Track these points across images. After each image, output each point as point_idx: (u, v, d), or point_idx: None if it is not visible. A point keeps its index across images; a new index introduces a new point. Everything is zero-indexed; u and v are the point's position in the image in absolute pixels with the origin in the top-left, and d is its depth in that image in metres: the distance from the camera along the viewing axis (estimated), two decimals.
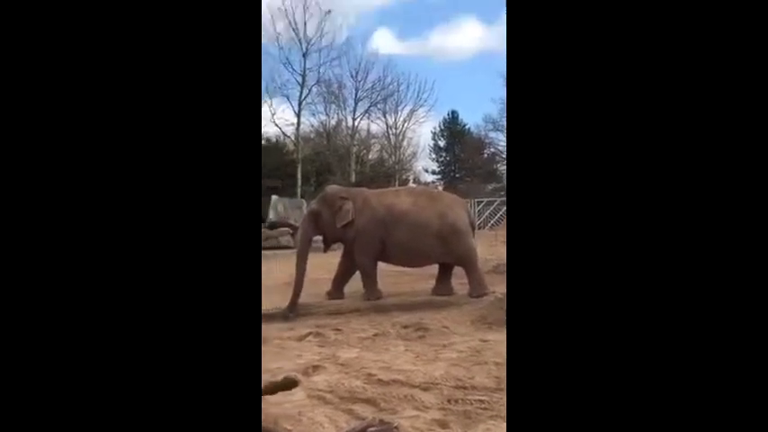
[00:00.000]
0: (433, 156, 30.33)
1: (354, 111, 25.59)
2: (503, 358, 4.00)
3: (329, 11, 24.17)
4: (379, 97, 26.08)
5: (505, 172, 28.64)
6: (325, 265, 7.31)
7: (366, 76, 25.55)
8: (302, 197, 19.33)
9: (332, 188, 7.46)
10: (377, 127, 27.36)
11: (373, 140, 28.13)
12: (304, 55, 23.89)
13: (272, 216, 15.26)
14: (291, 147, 23.93)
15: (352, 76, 25.42)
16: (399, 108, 26.91)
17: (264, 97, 22.10)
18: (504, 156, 28.27)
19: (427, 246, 6.73)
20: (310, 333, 5.18)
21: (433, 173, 30.15)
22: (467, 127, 30.15)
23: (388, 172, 26.15)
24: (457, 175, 29.25)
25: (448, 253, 6.80)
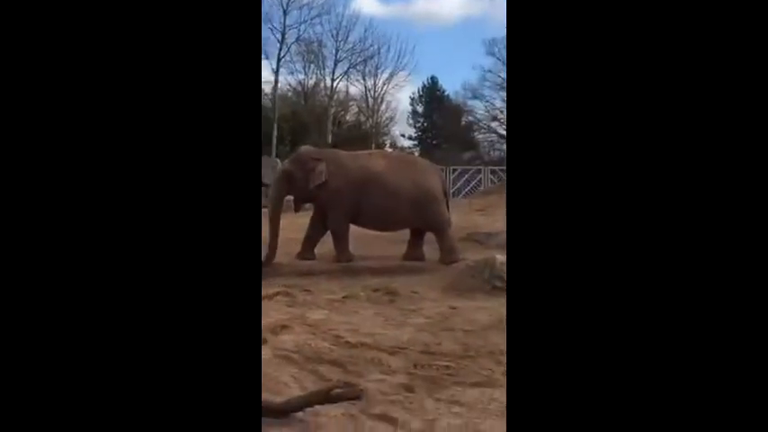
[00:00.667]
0: (411, 121, 30.12)
1: (333, 71, 25.29)
2: (471, 325, 4.02)
3: None
4: (359, 59, 25.78)
5: (482, 141, 28.72)
6: (295, 225, 7.26)
7: (347, 37, 25.19)
8: (277, 156, 19.14)
9: (305, 149, 7.36)
10: (355, 89, 27.12)
11: (351, 102, 27.90)
12: (284, 12, 23.46)
13: None
14: (268, 105, 23.60)
15: (332, 36, 25.06)
16: (379, 71, 26.64)
17: None
18: (482, 124, 28.30)
19: (400, 211, 6.70)
20: (279, 293, 5.15)
21: (410, 138, 29.99)
22: (446, 93, 29.99)
23: (364, 135, 25.94)
24: (434, 142, 29.12)
25: (420, 218, 6.78)
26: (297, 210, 7.22)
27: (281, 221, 6.62)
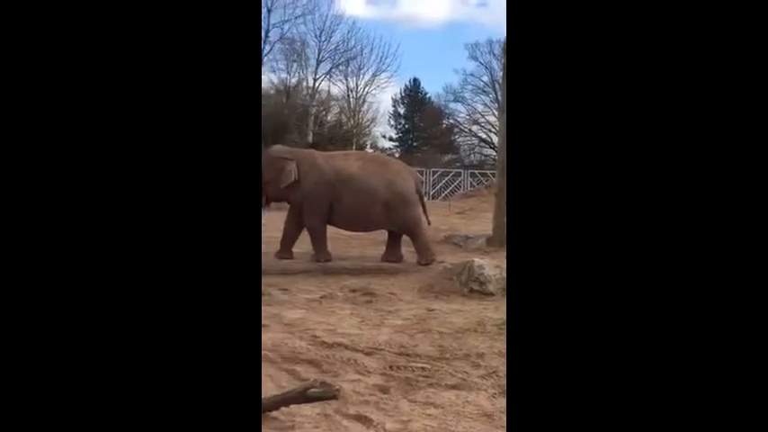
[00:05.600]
0: (392, 122, 30.17)
1: (316, 71, 25.26)
2: (446, 327, 4.04)
3: None
4: (341, 59, 25.76)
5: (462, 144, 28.83)
6: (273, 224, 7.24)
7: (330, 37, 25.16)
8: None
9: (275, 149, 7.31)
10: (337, 89, 27.07)
11: (333, 102, 27.81)
12: (269, 10, 23.36)
13: None
14: None
15: (315, 36, 25.04)
16: (361, 71, 26.64)
17: None
18: (462, 127, 28.41)
19: (372, 212, 6.72)
20: None
21: (391, 139, 30.02)
22: (427, 96, 30.07)
23: (345, 135, 25.88)
24: (414, 144, 29.21)
25: (393, 221, 6.81)
26: (263, 208, 7.14)
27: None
